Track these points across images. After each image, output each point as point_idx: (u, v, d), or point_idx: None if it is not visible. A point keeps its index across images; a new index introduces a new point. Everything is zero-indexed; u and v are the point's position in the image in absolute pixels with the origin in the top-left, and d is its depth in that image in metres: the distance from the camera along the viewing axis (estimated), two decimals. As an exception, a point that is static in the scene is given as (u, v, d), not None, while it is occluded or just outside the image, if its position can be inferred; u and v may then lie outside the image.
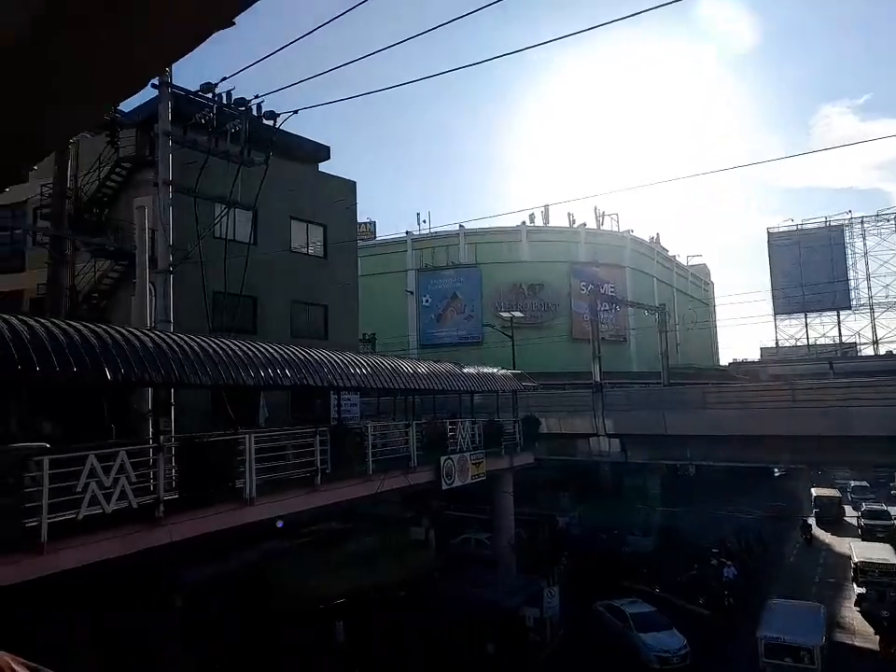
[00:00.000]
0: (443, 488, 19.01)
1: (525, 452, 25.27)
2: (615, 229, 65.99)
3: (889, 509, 39.66)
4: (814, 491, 44.83)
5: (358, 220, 35.55)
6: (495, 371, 25.28)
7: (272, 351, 14.58)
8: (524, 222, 61.68)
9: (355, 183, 27.91)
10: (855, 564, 26.69)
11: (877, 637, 21.07)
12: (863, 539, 34.46)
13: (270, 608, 15.01)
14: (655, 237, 74.03)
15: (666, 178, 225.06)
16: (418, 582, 19.33)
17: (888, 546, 28.69)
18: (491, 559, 24.22)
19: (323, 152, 28.67)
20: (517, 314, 42.63)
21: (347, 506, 16.52)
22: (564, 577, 24.27)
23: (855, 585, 25.91)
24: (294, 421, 18.78)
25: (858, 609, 24.21)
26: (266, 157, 15.84)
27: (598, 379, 33.35)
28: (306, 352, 15.77)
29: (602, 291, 53.32)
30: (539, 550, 26.58)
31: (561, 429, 30.50)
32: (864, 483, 50.40)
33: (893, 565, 25.82)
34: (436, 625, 17.48)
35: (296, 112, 15.89)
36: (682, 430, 27.57)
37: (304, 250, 25.08)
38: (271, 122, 15.37)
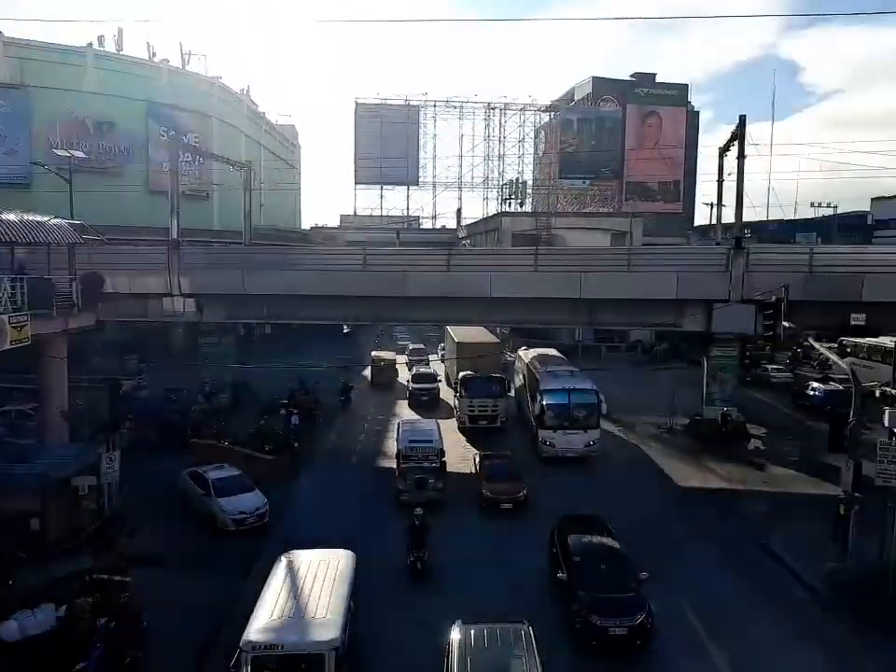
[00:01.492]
0: (-33, 356, 16.04)
1: (84, 313, 23.16)
2: (203, 72, 60.69)
3: (437, 372, 40.13)
4: (373, 353, 45.48)
5: None
6: (45, 219, 21.98)
7: None
8: (90, 44, 52.18)
9: None
10: (398, 448, 23.54)
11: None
12: (410, 402, 36.87)
13: None
14: (246, 89, 70.85)
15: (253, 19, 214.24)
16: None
17: (433, 424, 25.40)
18: (38, 431, 21.86)
19: None
20: (78, 153, 36.65)
21: None
22: (127, 441, 23.40)
23: (397, 472, 22.81)
24: None
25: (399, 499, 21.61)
26: None
27: (175, 236, 31.47)
28: None
29: (185, 140, 50.08)
30: (99, 416, 24.92)
31: (131, 289, 28.19)
32: (421, 346, 50.33)
33: (434, 448, 23.11)
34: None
35: None
36: (261, 290, 28.20)
37: None
38: None
